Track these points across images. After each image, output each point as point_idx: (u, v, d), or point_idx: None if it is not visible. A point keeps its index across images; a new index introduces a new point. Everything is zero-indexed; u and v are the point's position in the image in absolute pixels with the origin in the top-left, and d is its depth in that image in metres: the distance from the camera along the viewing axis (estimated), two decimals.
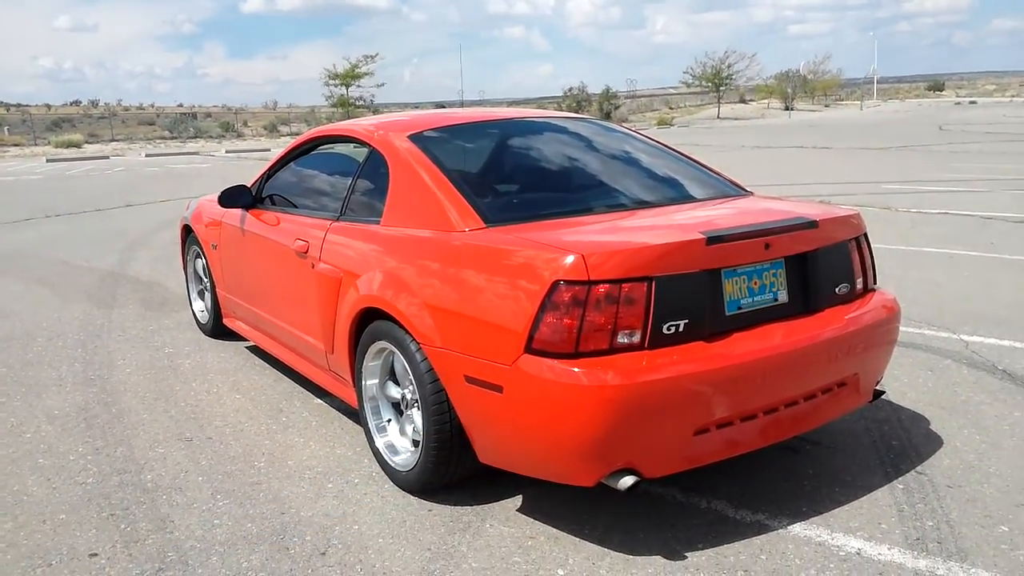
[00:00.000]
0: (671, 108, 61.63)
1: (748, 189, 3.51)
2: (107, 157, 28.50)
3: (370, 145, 3.49)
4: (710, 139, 27.64)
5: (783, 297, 2.70)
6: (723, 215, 3.02)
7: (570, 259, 2.37)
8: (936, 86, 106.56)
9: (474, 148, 3.53)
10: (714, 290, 2.53)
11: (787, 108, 57.33)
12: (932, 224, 8.43)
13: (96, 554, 2.67)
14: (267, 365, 4.61)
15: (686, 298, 2.45)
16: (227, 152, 29.69)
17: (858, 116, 46.29)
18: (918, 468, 3.03)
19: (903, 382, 3.89)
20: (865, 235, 3.02)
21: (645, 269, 2.39)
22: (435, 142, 3.32)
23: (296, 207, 3.99)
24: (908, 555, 2.47)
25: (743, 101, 67.37)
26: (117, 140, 37.98)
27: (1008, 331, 4.66)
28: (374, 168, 3.41)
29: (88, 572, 2.57)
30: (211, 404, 4.03)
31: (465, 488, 2.99)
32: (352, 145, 3.76)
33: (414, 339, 2.80)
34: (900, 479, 2.95)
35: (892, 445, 3.25)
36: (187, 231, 5.29)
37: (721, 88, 55.53)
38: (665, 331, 2.42)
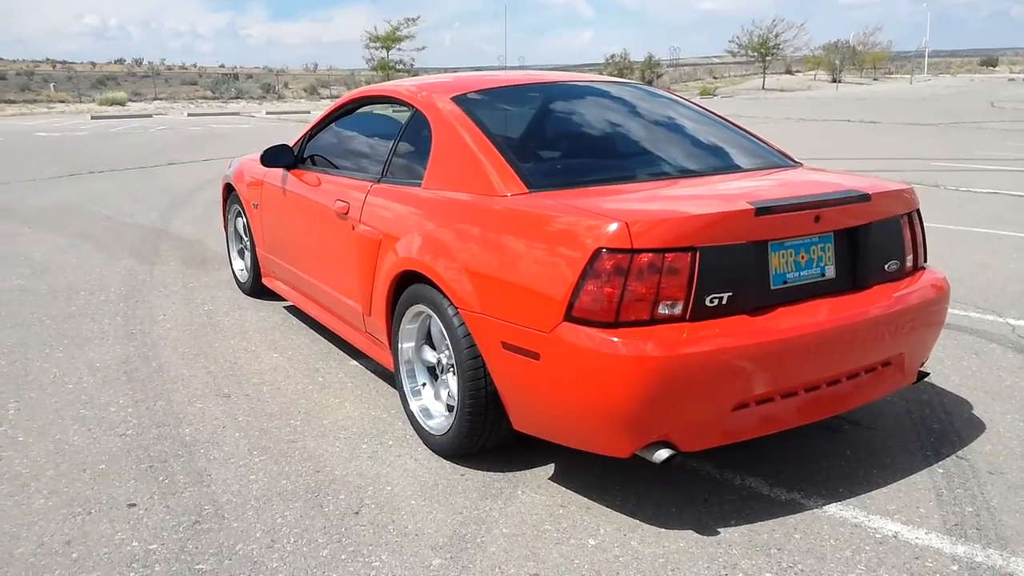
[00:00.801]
0: (715, 78, 60.59)
1: (797, 160, 3.42)
2: (150, 115, 28.84)
3: (413, 106, 3.46)
4: (754, 110, 27.13)
5: (831, 272, 2.63)
6: (771, 186, 2.95)
7: (613, 227, 2.33)
8: (989, 61, 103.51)
9: (518, 112, 3.48)
10: (760, 263, 2.47)
11: (834, 80, 56.05)
12: (981, 203, 8.20)
13: (135, 504, 2.72)
14: (304, 325, 4.64)
15: (731, 270, 2.40)
16: (268, 113, 29.89)
17: (908, 90, 45.11)
18: (959, 453, 2.97)
19: (947, 364, 3.80)
20: (918, 211, 2.93)
21: (690, 239, 2.34)
22: (479, 104, 3.28)
23: (337, 168, 3.98)
24: (946, 540, 2.42)
25: (789, 72, 66.01)
26: (160, 99, 38.36)
27: None
28: (416, 130, 3.38)
29: (126, 522, 2.62)
30: (249, 362, 4.07)
31: (498, 454, 2.99)
32: (394, 106, 3.74)
33: (452, 304, 2.79)
34: (940, 463, 2.89)
35: (933, 428, 3.18)
36: (228, 190, 5.32)
37: (767, 58, 54.41)
38: (708, 303, 2.37)
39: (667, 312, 2.35)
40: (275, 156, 4.26)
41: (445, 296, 2.82)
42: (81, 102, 35.63)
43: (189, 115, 29.05)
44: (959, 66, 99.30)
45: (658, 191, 2.85)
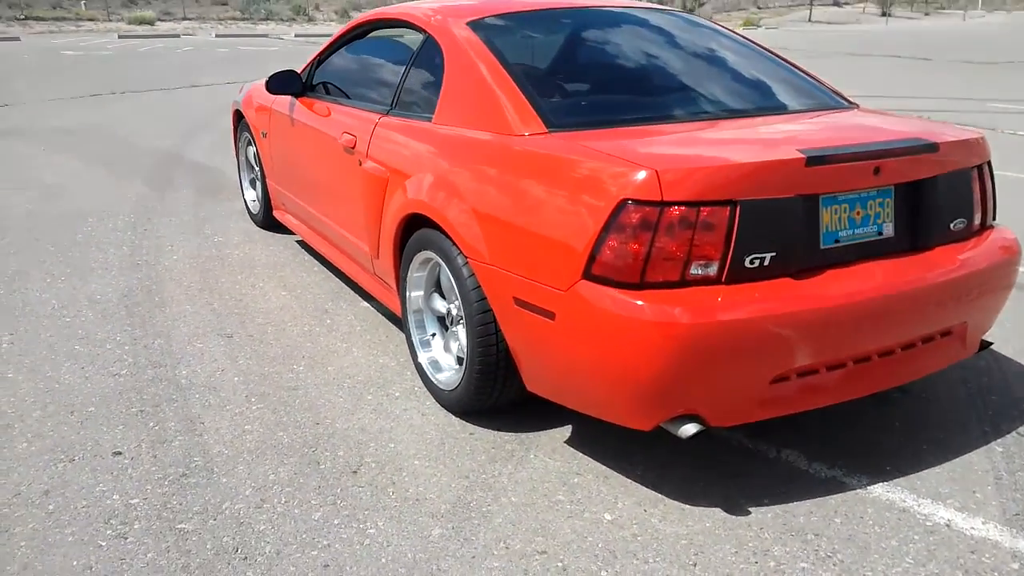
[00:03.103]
0: (759, 7, 58.44)
1: (852, 100, 3.08)
2: (178, 35, 28.43)
3: (426, 32, 3.14)
4: (801, 44, 26.04)
5: (888, 231, 2.33)
6: (825, 131, 2.61)
7: (641, 175, 2.04)
8: None
9: (542, 41, 3.15)
10: (809, 219, 2.17)
11: (884, 14, 53.81)
12: None
13: (120, 452, 2.56)
14: (315, 262, 4.43)
15: (775, 227, 2.10)
16: (296, 36, 29.33)
17: (961, 27, 43.12)
18: (1020, 430, 2.68)
19: (1007, 328, 3.46)
20: (988, 163, 2.59)
21: (729, 191, 2.05)
22: (497, 31, 2.95)
23: (345, 97, 3.69)
24: (1006, 532, 2.16)
25: (837, 4, 63.43)
26: (189, 19, 37.78)
27: None
28: (428, 58, 3.08)
29: (109, 472, 2.45)
30: (255, 299, 3.88)
31: (510, 414, 2.77)
32: (408, 31, 3.42)
33: (461, 252, 2.53)
34: (999, 441, 2.61)
35: (991, 400, 2.88)
36: (239, 116, 5.05)
37: None
38: (748, 264, 2.09)
39: (700, 273, 2.07)
40: (281, 82, 3.97)
41: (454, 244, 2.57)
42: (111, 20, 35.18)
43: (217, 36, 28.57)
44: (1015, 2, 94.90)
45: (694, 134, 2.53)
